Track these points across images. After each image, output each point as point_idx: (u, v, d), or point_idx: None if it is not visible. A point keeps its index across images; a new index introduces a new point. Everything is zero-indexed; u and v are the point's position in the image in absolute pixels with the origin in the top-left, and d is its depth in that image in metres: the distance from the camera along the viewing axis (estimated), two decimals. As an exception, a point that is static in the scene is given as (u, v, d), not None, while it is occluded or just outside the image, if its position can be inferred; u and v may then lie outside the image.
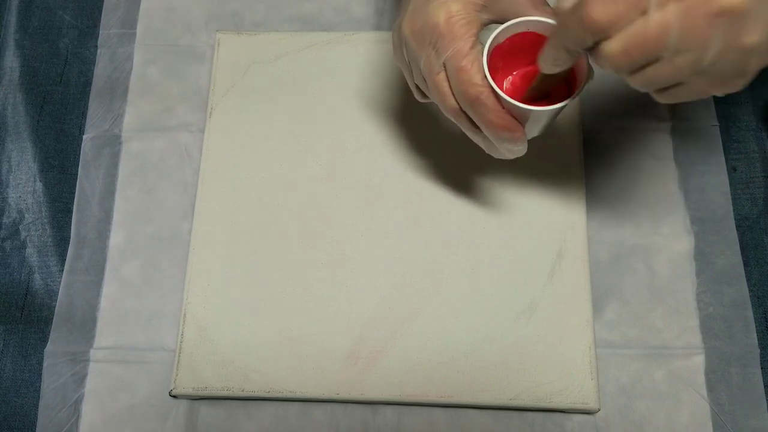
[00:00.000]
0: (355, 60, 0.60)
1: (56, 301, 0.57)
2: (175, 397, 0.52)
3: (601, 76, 0.60)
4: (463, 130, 0.44)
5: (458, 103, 0.41)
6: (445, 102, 0.42)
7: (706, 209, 0.56)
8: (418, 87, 0.45)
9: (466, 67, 0.39)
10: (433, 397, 0.51)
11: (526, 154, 0.43)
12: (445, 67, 0.40)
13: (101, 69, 0.64)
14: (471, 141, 0.43)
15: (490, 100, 0.40)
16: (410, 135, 0.57)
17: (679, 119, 0.59)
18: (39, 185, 0.61)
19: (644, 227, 0.56)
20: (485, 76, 0.39)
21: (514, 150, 0.43)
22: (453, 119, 0.43)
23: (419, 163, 0.57)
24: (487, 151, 0.45)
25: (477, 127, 0.42)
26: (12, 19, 0.67)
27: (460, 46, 0.39)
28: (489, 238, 0.54)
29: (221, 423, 0.53)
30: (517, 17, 0.40)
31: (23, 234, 0.60)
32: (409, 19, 0.41)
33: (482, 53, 0.40)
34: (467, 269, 0.53)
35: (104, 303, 0.57)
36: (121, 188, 0.60)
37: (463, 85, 0.40)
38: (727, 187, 0.57)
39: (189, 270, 0.55)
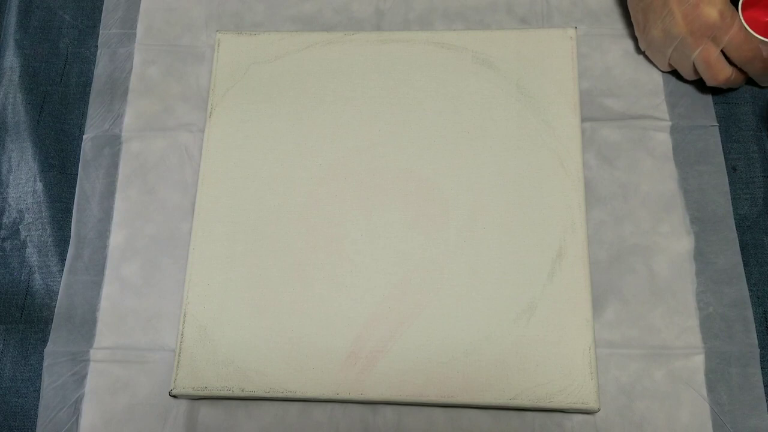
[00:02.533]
0: (355, 60, 0.60)
1: (56, 301, 0.57)
2: (175, 397, 0.52)
3: (602, 75, 0.61)
4: (728, 86, 0.57)
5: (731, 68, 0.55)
6: (720, 73, 0.55)
7: (706, 209, 0.56)
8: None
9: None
10: (433, 397, 0.51)
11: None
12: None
13: (101, 69, 0.64)
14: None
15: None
16: (410, 135, 0.57)
17: (679, 119, 0.59)
18: (39, 185, 0.61)
19: (644, 227, 0.56)
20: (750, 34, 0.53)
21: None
22: (722, 85, 0.57)
23: (419, 163, 0.57)
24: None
25: (744, 79, 0.58)
26: (12, 19, 0.67)
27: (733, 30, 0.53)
28: (489, 238, 0.54)
29: (221, 423, 0.53)
30: None
31: (23, 234, 0.60)
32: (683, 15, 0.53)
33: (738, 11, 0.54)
34: (467, 269, 0.53)
35: (104, 303, 0.57)
36: (121, 188, 0.60)
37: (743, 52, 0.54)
38: (727, 187, 0.57)
39: (189, 270, 0.55)
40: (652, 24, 0.56)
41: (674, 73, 0.60)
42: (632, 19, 0.59)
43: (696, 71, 0.57)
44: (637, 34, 0.60)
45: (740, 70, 0.56)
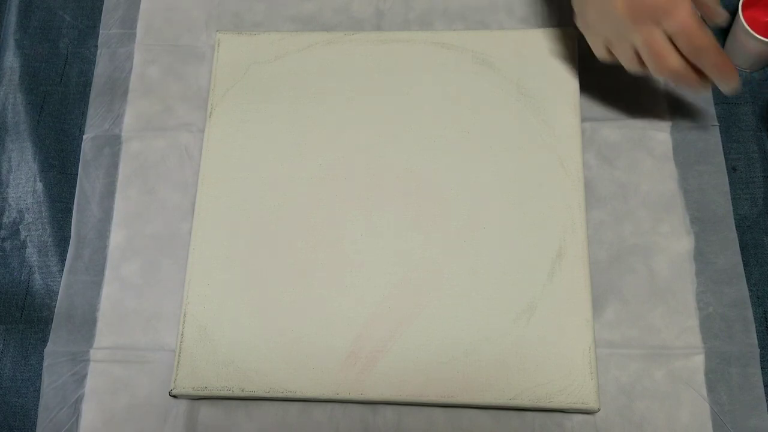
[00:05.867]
0: (355, 60, 0.60)
1: (56, 301, 0.57)
2: (175, 397, 0.52)
3: (602, 75, 0.61)
4: (679, 83, 0.50)
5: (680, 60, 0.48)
6: (666, 62, 0.48)
7: (706, 209, 0.56)
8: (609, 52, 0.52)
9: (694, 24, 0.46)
10: (433, 397, 0.51)
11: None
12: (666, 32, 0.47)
13: (101, 69, 0.64)
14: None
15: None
16: (410, 135, 0.57)
17: (679, 119, 0.59)
18: (39, 185, 0.61)
19: (644, 227, 0.56)
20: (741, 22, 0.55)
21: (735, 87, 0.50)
22: (671, 78, 0.50)
23: (419, 163, 0.57)
24: (698, 92, 0.55)
25: (697, 77, 0.49)
26: (12, 19, 0.67)
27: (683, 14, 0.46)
28: (489, 238, 0.54)
29: (221, 423, 0.53)
30: None
31: (23, 234, 0.60)
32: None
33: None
34: (467, 269, 0.53)
35: (104, 303, 0.57)
36: (121, 188, 0.60)
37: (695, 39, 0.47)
38: (727, 187, 0.57)
39: (189, 270, 0.55)
40: (588, 3, 0.50)
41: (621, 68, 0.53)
42: None
43: (640, 61, 0.50)
44: (576, 10, 0.53)
45: (693, 65, 0.49)
